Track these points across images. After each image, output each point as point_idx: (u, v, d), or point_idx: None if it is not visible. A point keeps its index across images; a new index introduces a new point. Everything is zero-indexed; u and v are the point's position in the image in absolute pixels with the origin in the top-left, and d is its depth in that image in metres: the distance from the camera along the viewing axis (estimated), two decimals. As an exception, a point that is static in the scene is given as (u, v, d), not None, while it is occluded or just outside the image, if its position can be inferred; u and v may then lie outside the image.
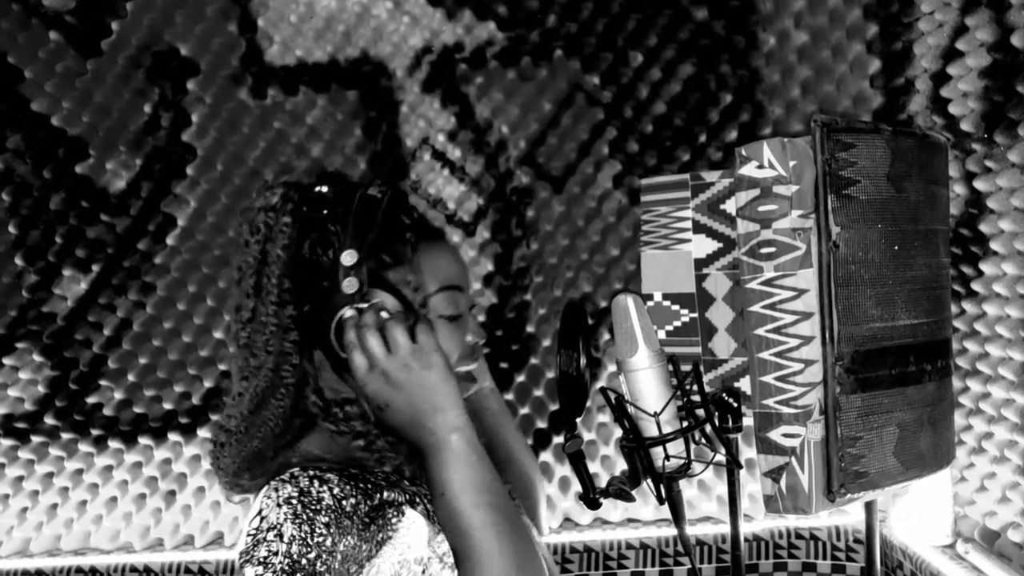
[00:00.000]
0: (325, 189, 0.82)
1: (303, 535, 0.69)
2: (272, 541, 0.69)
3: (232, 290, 0.82)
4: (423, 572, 0.74)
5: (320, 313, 0.79)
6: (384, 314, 0.78)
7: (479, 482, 0.76)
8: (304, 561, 0.68)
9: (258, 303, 0.79)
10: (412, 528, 0.75)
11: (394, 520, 0.74)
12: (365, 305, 0.78)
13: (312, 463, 0.77)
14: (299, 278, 0.79)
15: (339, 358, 0.79)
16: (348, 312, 0.77)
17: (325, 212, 0.80)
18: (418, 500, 0.79)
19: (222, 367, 1.69)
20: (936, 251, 1.07)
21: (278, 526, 0.69)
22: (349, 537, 0.70)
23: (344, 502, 0.72)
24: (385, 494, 0.76)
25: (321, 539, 0.69)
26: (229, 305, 0.83)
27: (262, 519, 0.71)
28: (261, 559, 0.69)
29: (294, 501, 0.71)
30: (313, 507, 0.70)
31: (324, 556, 0.69)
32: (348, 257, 0.77)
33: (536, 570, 0.77)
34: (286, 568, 0.68)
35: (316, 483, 0.72)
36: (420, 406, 0.76)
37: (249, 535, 0.71)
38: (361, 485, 0.75)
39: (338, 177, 0.86)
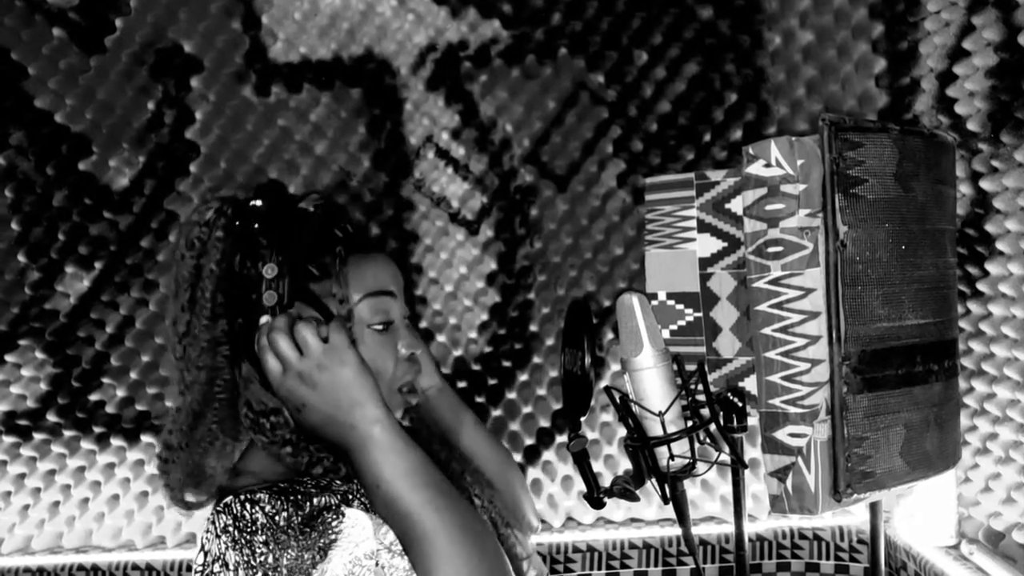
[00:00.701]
0: (259, 203, 0.83)
1: (245, 558, 0.71)
2: (219, 572, 0.71)
3: (169, 303, 0.83)
4: (376, 565, 0.75)
5: (248, 326, 0.81)
6: (297, 319, 0.79)
7: (410, 467, 0.77)
8: None
9: (192, 317, 0.80)
10: (356, 526, 0.75)
11: (334, 523, 0.75)
12: (280, 317, 0.79)
13: (243, 487, 0.78)
14: (231, 292, 0.81)
15: (261, 369, 0.80)
16: (264, 320, 0.79)
17: (256, 226, 0.81)
18: (351, 496, 0.80)
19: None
20: (943, 251, 1.06)
21: (221, 556, 0.71)
22: (289, 550, 0.72)
23: (277, 517, 0.74)
24: (315, 500, 0.77)
25: (263, 558, 0.71)
26: (167, 319, 0.84)
27: (206, 553, 0.73)
28: None
29: (231, 528, 0.72)
30: (249, 530, 0.72)
31: (269, 574, 0.70)
32: (269, 270, 0.79)
33: (488, 544, 0.78)
34: None
35: (248, 506, 0.74)
36: (338, 403, 0.77)
37: (196, 572, 0.73)
38: (291, 497, 0.76)
39: (275, 191, 0.87)
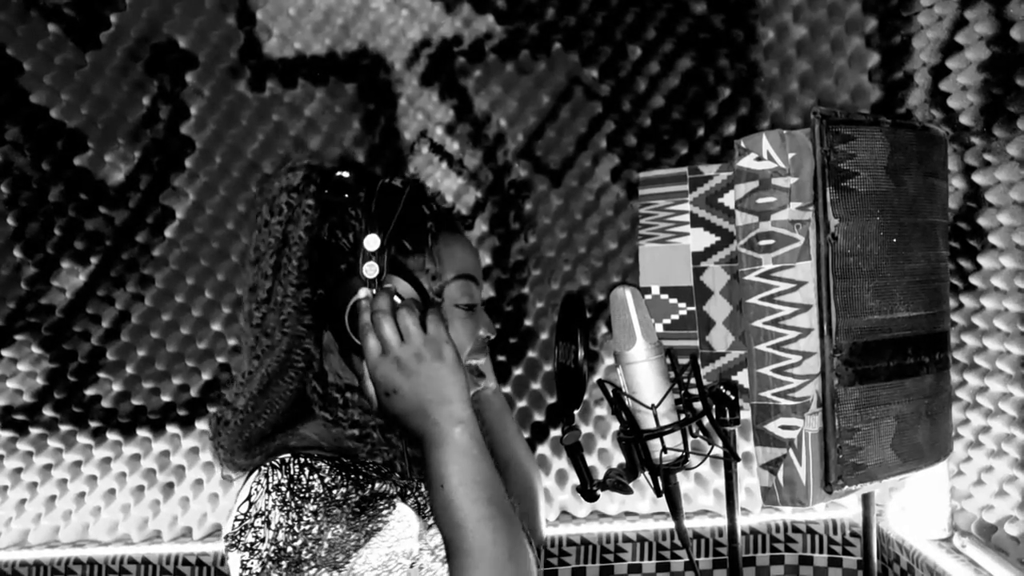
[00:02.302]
0: (347, 175, 0.82)
1: (290, 523, 0.69)
2: (259, 528, 0.70)
3: (247, 269, 0.82)
4: (411, 566, 0.74)
5: (335, 296, 0.79)
6: (397, 299, 0.78)
7: (478, 476, 0.76)
8: (289, 548, 0.69)
9: (276, 284, 0.79)
10: (403, 522, 0.75)
11: (385, 512, 0.74)
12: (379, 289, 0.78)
13: (305, 449, 0.77)
14: (316, 260, 0.80)
15: (349, 342, 0.80)
16: (363, 293, 0.78)
17: (347, 196, 0.81)
18: (409, 493, 0.80)
19: (220, 360, 1.69)
20: (935, 244, 1.07)
21: (266, 512, 0.70)
22: (338, 526, 0.71)
23: (335, 491, 0.72)
24: (376, 485, 0.76)
25: (308, 527, 0.69)
26: (243, 284, 0.83)
27: (250, 504, 0.71)
28: (248, 545, 0.69)
29: (283, 488, 0.71)
30: (302, 495, 0.71)
31: (310, 544, 0.69)
32: (371, 242, 0.78)
33: (527, 567, 0.77)
34: (271, 555, 0.68)
35: (306, 471, 0.73)
36: (427, 396, 0.76)
37: (236, 519, 0.72)
38: (352, 475, 0.75)
39: (359, 166, 0.86)
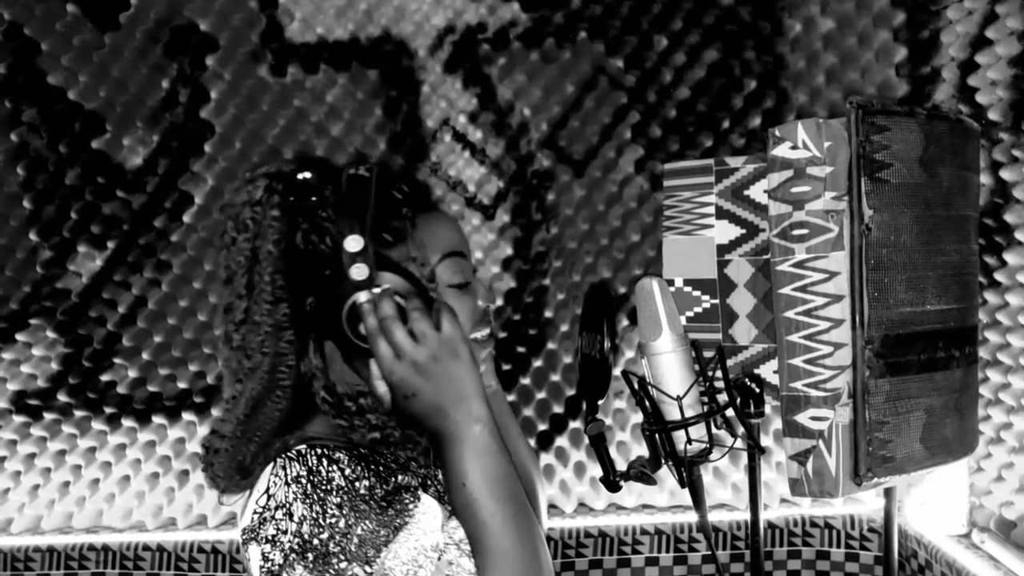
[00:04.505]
0: (308, 175, 0.78)
1: (314, 515, 0.68)
2: (281, 520, 0.68)
3: (219, 291, 0.79)
4: (439, 559, 0.73)
5: (328, 304, 0.76)
6: (399, 298, 0.76)
7: (499, 473, 0.75)
8: (316, 541, 0.67)
9: (251, 303, 0.76)
10: (428, 513, 0.74)
11: (411, 505, 0.73)
12: (377, 290, 0.75)
13: (319, 441, 0.75)
14: (295, 271, 0.77)
15: (353, 347, 0.77)
16: (362, 297, 0.75)
17: (314, 199, 0.77)
18: (429, 483, 0.79)
19: (208, 354, 1.67)
20: (967, 237, 1.06)
21: (287, 504, 0.69)
22: (367, 521, 0.69)
23: (357, 484, 0.71)
24: (399, 477, 0.75)
25: (334, 520, 0.68)
26: (218, 306, 0.81)
27: (269, 497, 0.70)
28: (269, 537, 0.68)
29: (303, 480, 0.70)
30: (324, 487, 0.70)
31: (337, 537, 0.68)
32: (352, 243, 0.74)
33: (546, 562, 0.77)
34: (296, 547, 0.67)
35: (324, 462, 0.72)
36: (445, 395, 0.75)
37: (255, 513, 0.70)
38: (373, 467, 0.74)
39: (319, 161, 0.83)
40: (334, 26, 1.62)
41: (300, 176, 0.78)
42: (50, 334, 1.67)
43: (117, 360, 1.67)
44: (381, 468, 0.75)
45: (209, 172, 1.65)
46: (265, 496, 0.70)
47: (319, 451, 0.73)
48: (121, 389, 1.68)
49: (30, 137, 1.63)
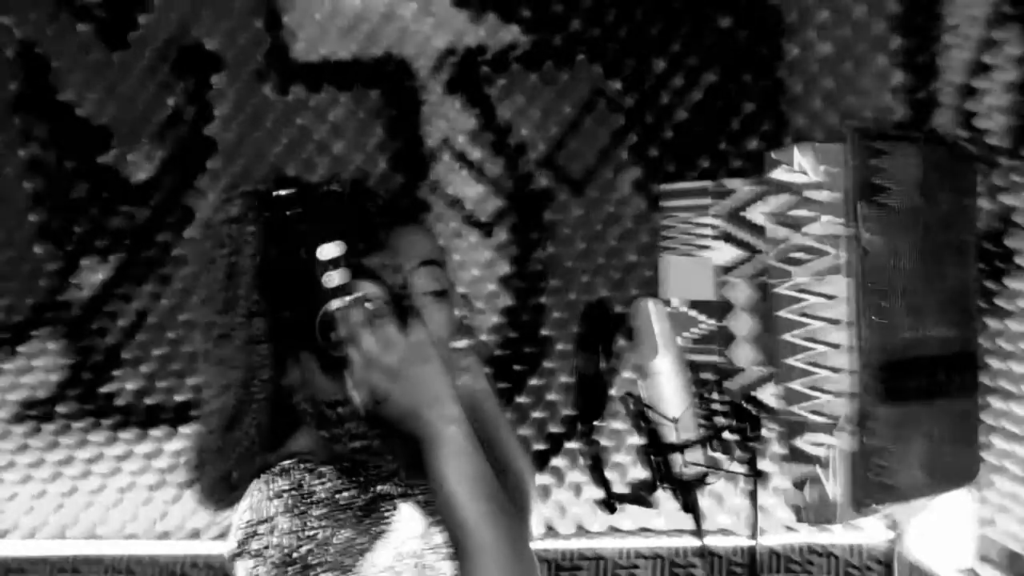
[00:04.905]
0: (284, 192, 0.80)
1: (296, 528, 0.69)
2: (263, 535, 0.70)
3: (199, 309, 0.81)
4: (415, 565, 0.74)
5: (302, 315, 0.78)
6: (369, 305, 0.77)
7: (475, 473, 0.76)
8: (295, 555, 0.69)
9: (228, 319, 0.78)
10: (406, 522, 0.75)
11: (387, 514, 0.75)
12: (348, 298, 0.76)
13: (304, 455, 0.77)
14: (271, 285, 0.79)
15: (328, 357, 0.78)
16: (333, 306, 0.76)
17: (288, 214, 0.79)
18: (410, 493, 0.80)
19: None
20: (966, 262, 1.06)
21: (270, 519, 0.70)
22: (344, 530, 0.71)
23: (338, 496, 0.73)
24: (379, 487, 0.77)
25: (314, 532, 0.70)
26: (197, 324, 0.82)
27: (253, 512, 0.71)
28: (254, 552, 0.70)
29: (285, 495, 0.71)
30: (306, 500, 0.71)
31: (316, 549, 0.69)
32: (324, 251, 0.76)
33: (530, 563, 0.78)
34: (278, 561, 0.68)
35: (308, 476, 0.73)
36: (417, 398, 0.76)
37: (240, 528, 0.72)
38: (355, 478, 0.76)
39: (294, 180, 0.85)
40: (337, 47, 1.64)
41: (276, 193, 0.80)
42: (53, 346, 1.68)
43: (118, 372, 1.68)
44: (362, 479, 0.77)
45: (212, 188, 1.66)
46: (249, 511, 0.72)
47: (304, 465, 0.74)
48: (121, 401, 1.69)
49: (39, 153, 1.66)
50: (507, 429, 1.05)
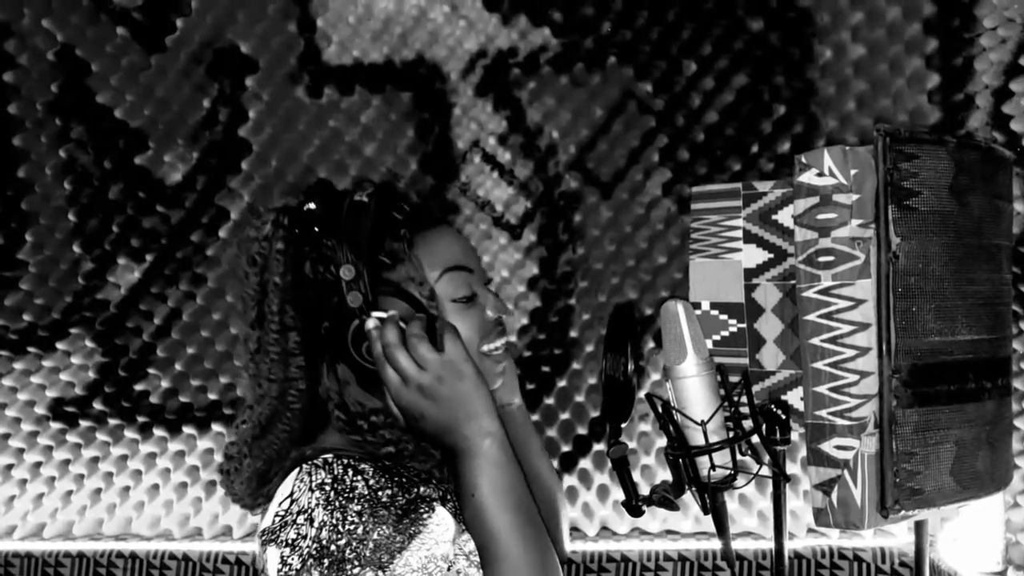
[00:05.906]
0: (313, 205, 0.82)
1: (334, 522, 0.69)
2: (301, 524, 0.70)
3: (238, 322, 0.85)
4: (448, 568, 0.74)
5: (337, 330, 0.80)
6: (402, 324, 0.78)
7: (508, 485, 0.77)
8: (333, 547, 0.69)
9: (262, 333, 0.80)
10: (441, 525, 0.75)
11: (425, 515, 0.75)
12: (382, 314, 0.78)
13: (343, 452, 0.78)
14: (307, 299, 0.80)
15: (363, 370, 0.80)
16: (369, 324, 0.78)
17: (317, 229, 0.80)
18: (448, 497, 0.80)
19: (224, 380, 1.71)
20: (999, 267, 1.04)
21: (309, 510, 0.70)
22: (384, 527, 0.71)
23: (380, 493, 0.73)
24: (420, 489, 0.77)
25: (352, 527, 0.70)
26: (239, 338, 0.85)
27: (293, 501, 0.72)
28: (288, 540, 0.70)
29: (327, 487, 0.71)
30: (346, 495, 0.71)
31: (354, 544, 0.69)
32: (346, 272, 0.77)
33: (554, 573, 0.78)
34: (314, 552, 0.68)
35: (350, 472, 0.73)
36: (455, 414, 0.77)
37: (277, 515, 0.72)
38: (396, 478, 0.76)
39: (326, 189, 0.86)
40: (369, 49, 1.66)
41: (305, 207, 0.82)
42: (88, 343, 1.72)
43: (151, 370, 1.72)
44: (404, 479, 0.77)
45: (245, 189, 1.69)
46: (288, 500, 0.72)
47: (345, 461, 0.75)
48: (154, 399, 1.72)
49: (77, 153, 1.70)
50: (537, 442, 1.05)
